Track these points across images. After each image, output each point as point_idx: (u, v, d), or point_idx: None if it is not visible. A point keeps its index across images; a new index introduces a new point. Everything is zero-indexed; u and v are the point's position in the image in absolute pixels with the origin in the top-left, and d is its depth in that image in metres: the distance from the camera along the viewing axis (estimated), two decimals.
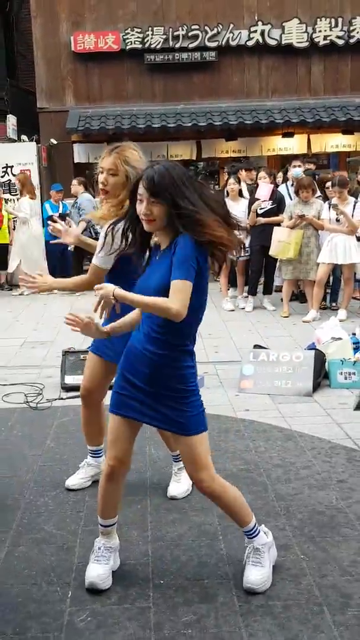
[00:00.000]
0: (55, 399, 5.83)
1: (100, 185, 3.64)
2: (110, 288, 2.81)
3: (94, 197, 11.10)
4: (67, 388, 6.02)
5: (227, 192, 9.83)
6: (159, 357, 2.86)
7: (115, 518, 3.18)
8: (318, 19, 14.19)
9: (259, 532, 3.12)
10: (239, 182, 9.89)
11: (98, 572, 3.07)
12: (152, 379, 2.91)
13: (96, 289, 2.83)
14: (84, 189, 11.12)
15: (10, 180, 13.04)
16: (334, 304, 9.47)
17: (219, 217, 2.78)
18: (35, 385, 6.20)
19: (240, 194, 9.78)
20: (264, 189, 9.38)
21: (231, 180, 9.76)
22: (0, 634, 2.81)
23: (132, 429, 3.06)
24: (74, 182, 11.35)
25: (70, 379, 6.05)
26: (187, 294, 2.69)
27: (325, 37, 14.23)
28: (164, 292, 2.72)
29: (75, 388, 5.93)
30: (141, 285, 2.88)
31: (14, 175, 13.10)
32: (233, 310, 9.54)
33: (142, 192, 2.74)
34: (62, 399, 5.86)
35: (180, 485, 4.00)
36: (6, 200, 12.24)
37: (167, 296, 2.70)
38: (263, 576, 3.02)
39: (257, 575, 3.01)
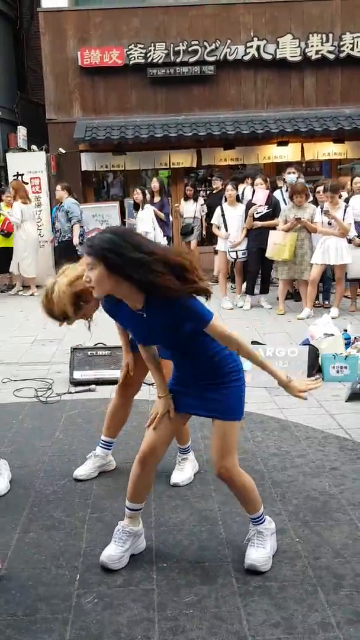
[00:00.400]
0: (64, 394, 5.82)
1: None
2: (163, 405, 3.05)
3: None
4: (76, 383, 6.01)
5: (225, 197, 9.82)
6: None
7: (141, 504, 3.18)
8: (310, 35, 14.15)
9: (264, 519, 3.15)
10: (236, 188, 9.87)
11: (110, 552, 3.09)
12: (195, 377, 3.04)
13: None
14: (68, 193, 11.12)
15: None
16: (326, 302, 9.46)
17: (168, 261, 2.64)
18: (45, 381, 6.19)
19: (238, 199, 9.77)
20: (260, 195, 9.38)
21: (229, 187, 9.74)
22: (11, 615, 2.80)
23: (174, 422, 3.11)
24: (58, 187, 11.31)
25: (78, 375, 6.04)
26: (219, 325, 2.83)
27: (317, 52, 14.20)
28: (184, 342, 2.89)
29: (83, 383, 5.94)
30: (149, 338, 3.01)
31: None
32: (232, 309, 9.52)
33: (87, 262, 2.68)
34: (70, 393, 5.85)
35: (183, 473, 3.99)
36: None
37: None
38: (265, 556, 3.04)
39: (259, 554, 3.04)
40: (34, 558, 3.23)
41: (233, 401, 3.00)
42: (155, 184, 11.67)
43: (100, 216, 12.73)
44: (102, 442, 4.12)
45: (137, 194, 10.83)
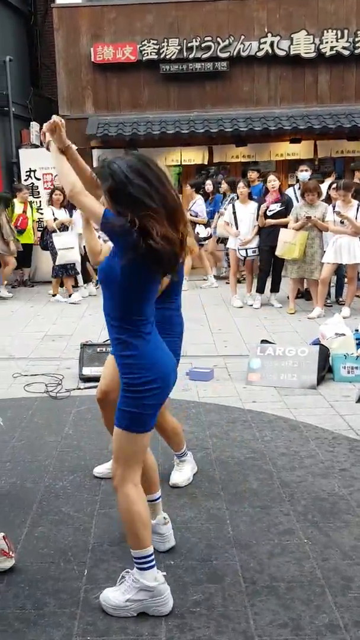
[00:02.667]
0: (74, 389, 5.84)
1: None
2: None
3: None
4: (85, 379, 6.03)
5: (237, 195, 9.81)
6: None
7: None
8: (325, 31, 14.08)
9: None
10: (248, 185, 9.85)
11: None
12: None
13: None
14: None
15: (33, 184, 13.05)
16: (340, 299, 9.44)
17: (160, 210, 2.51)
18: (55, 376, 6.22)
19: (250, 196, 9.75)
20: (272, 195, 9.34)
21: (241, 184, 9.71)
22: (20, 608, 2.82)
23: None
24: None
25: (87, 371, 6.06)
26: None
27: (331, 48, 14.12)
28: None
29: (92, 379, 5.96)
30: None
31: (37, 179, 13.12)
32: (242, 307, 9.52)
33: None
34: (79, 389, 5.88)
35: (182, 474, 3.98)
36: (30, 203, 12.23)
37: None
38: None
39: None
40: (43, 552, 3.25)
41: (119, 406, 2.73)
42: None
43: None
44: None
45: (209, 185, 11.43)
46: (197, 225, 10.93)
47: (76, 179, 2.79)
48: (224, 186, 11.53)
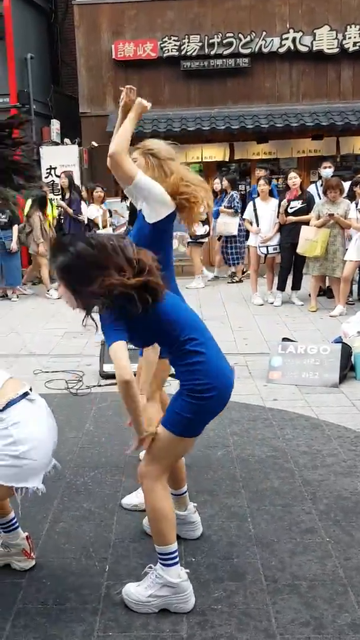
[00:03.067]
0: (94, 386, 5.87)
1: None
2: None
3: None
4: (105, 376, 6.05)
5: (258, 192, 9.79)
6: None
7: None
8: (348, 26, 13.98)
9: (170, 563, 2.78)
10: (269, 183, 9.82)
11: None
12: None
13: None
14: None
15: (54, 181, 13.11)
16: None
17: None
18: (75, 373, 6.25)
19: (271, 194, 9.73)
20: (292, 191, 9.32)
21: (261, 182, 9.71)
22: (42, 604, 2.84)
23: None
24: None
25: (108, 367, 6.07)
26: (121, 353, 2.56)
27: (354, 44, 14.02)
28: None
29: (112, 376, 5.97)
30: None
31: (57, 176, 13.17)
32: (262, 305, 9.50)
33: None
34: (100, 385, 5.90)
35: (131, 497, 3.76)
36: (50, 200, 12.29)
37: None
38: (138, 595, 2.78)
39: (133, 588, 2.81)
40: (64, 548, 3.27)
41: (171, 408, 2.74)
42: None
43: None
44: None
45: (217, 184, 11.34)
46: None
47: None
48: (225, 183, 11.44)
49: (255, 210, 9.64)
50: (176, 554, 2.77)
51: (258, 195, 9.71)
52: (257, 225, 9.57)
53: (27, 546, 3.09)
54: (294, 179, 9.38)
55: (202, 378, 2.66)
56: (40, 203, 11.04)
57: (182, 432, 2.70)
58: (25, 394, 2.81)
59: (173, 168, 3.50)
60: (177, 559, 2.78)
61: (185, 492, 3.30)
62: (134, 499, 3.67)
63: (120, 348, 2.56)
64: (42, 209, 11.08)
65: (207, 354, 2.69)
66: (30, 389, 2.85)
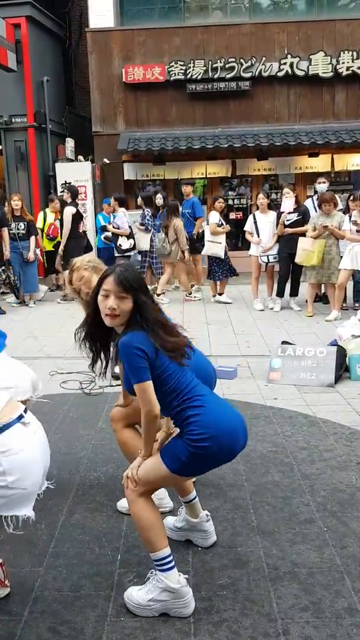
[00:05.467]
0: (106, 386, 5.84)
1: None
2: (134, 467, 2.70)
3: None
4: (117, 377, 6.01)
5: (257, 205, 9.78)
6: None
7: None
8: (341, 52, 13.99)
9: (167, 567, 2.68)
10: (267, 197, 9.83)
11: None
12: None
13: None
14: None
15: None
16: (357, 304, 9.35)
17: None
18: (88, 374, 6.23)
19: (269, 207, 9.73)
20: (288, 203, 9.34)
21: (261, 195, 9.75)
22: (58, 590, 2.83)
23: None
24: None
25: (119, 369, 6.05)
26: (150, 391, 2.55)
27: (347, 68, 14.01)
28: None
29: None
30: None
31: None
32: (263, 310, 9.48)
33: (109, 288, 2.61)
34: (112, 386, 5.87)
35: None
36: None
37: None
38: (138, 598, 2.68)
39: (134, 592, 2.71)
40: (79, 538, 3.26)
41: (172, 446, 2.64)
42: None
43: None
44: None
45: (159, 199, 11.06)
46: (120, 237, 10.69)
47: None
48: (140, 200, 11.38)
49: (255, 222, 9.65)
50: (170, 558, 2.65)
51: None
52: (258, 236, 9.57)
53: (1, 575, 2.80)
54: (287, 194, 9.42)
55: (200, 429, 2.54)
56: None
57: (176, 470, 2.60)
58: (20, 417, 2.57)
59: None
60: (173, 564, 2.65)
61: (194, 498, 3.12)
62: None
63: (150, 386, 2.55)
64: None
65: (205, 407, 2.60)
66: (25, 411, 2.62)
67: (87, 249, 10.84)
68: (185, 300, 10.56)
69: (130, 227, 10.75)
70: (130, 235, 10.73)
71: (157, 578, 2.66)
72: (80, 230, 10.94)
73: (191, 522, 3.13)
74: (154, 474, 2.65)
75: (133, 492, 2.67)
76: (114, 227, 10.80)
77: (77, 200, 11.05)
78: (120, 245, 10.70)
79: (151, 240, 10.87)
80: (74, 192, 11.05)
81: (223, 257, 10.10)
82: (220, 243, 10.01)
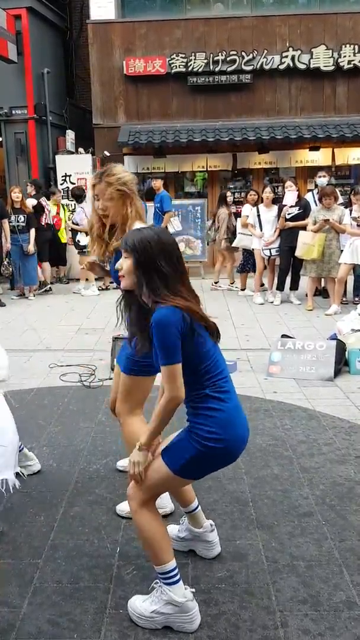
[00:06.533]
0: (106, 379, 5.85)
1: (100, 212, 3.26)
2: (137, 463, 2.50)
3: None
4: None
5: (262, 199, 9.76)
6: None
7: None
8: (343, 46, 13.94)
9: (173, 580, 2.54)
10: (273, 191, 9.88)
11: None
12: None
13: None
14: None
15: (69, 187, 13.10)
16: (356, 299, 9.35)
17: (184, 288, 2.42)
18: (88, 367, 6.24)
19: (274, 201, 9.73)
20: (290, 197, 9.33)
21: (267, 190, 9.81)
22: (57, 582, 2.83)
23: None
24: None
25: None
26: (180, 374, 2.36)
27: (349, 62, 13.97)
28: None
29: None
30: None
31: (72, 183, 13.16)
32: (263, 304, 9.47)
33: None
34: (111, 379, 5.82)
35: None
36: (64, 206, 12.30)
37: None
38: (142, 608, 2.56)
39: (139, 602, 2.60)
40: (78, 530, 3.26)
41: (175, 443, 2.51)
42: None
43: None
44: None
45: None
46: (79, 233, 10.82)
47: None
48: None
49: (258, 216, 9.64)
50: (176, 572, 2.52)
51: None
52: (261, 230, 9.57)
53: None
54: (289, 187, 9.42)
55: (214, 427, 2.41)
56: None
57: (179, 471, 2.46)
58: None
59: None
60: (178, 577, 2.53)
61: (197, 508, 2.97)
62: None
63: (180, 370, 2.34)
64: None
65: (228, 404, 2.46)
66: None
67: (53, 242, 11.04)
68: (211, 288, 10.92)
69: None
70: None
71: (161, 590, 2.53)
72: (43, 223, 11.11)
73: (194, 532, 2.98)
74: (155, 475, 2.49)
75: (136, 501, 2.52)
76: (73, 223, 10.92)
77: (41, 193, 11.24)
78: (78, 241, 10.78)
79: None
80: (37, 185, 11.29)
81: (252, 249, 10.11)
82: (251, 235, 10.01)
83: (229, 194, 11.15)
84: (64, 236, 11.91)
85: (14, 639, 2.48)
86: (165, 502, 3.40)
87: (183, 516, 3.07)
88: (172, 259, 2.43)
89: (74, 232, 11.00)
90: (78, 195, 11.28)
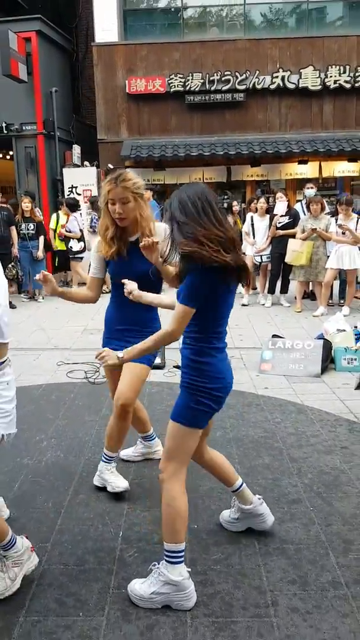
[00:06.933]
0: None
1: (117, 215, 3.15)
2: (113, 356, 2.56)
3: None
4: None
5: (256, 208, 9.77)
6: None
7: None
8: (329, 67, 13.98)
9: (176, 561, 2.53)
10: (267, 201, 9.90)
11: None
12: None
13: (98, 357, 2.59)
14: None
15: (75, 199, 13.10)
16: (342, 301, 9.35)
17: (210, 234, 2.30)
18: (93, 365, 6.24)
19: (267, 211, 9.73)
20: (281, 207, 9.35)
21: (262, 200, 9.83)
22: (64, 565, 2.83)
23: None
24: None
25: None
26: (186, 319, 2.38)
27: (335, 82, 14.00)
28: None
29: None
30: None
31: (78, 194, 13.17)
32: (246, 305, 9.44)
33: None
34: None
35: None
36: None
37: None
38: (141, 590, 2.55)
39: (138, 585, 2.58)
40: (84, 516, 3.26)
41: (176, 403, 2.57)
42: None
43: None
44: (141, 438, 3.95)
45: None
46: (71, 240, 10.81)
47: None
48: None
49: (252, 224, 9.66)
50: (183, 553, 2.53)
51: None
52: (254, 238, 9.58)
53: (28, 543, 2.76)
54: (279, 198, 9.45)
55: (202, 377, 2.48)
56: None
57: (189, 422, 2.51)
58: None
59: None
60: (183, 559, 2.54)
61: (241, 485, 2.96)
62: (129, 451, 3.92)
63: (190, 314, 2.35)
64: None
65: (217, 357, 2.51)
66: None
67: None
68: None
69: (81, 230, 10.79)
70: (81, 238, 10.76)
71: (159, 572, 2.54)
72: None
73: (245, 510, 2.98)
74: (171, 440, 2.54)
75: (167, 472, 2.52)
76: (66, 231, 10.95)
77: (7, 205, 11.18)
78: (71, 247, 10.79)
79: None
80: (31, 195, 11.16)
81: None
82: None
83: (235, 203, 11.16)
84: (61, 243, 11.83)
85: (24, 617, 2.48)
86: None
87: (233, 499, 3.06)
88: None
89: (67, 239, 10.98)
90: (72, 204, 11.26)
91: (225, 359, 2.59)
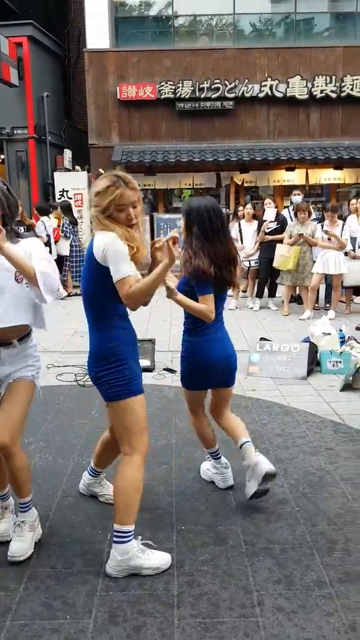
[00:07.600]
0: None
1: (132, 221, 2.75)
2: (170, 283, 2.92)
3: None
4: None
5: (243, 214, 9.79)
6: None
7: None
8: (316, 76, 14.05)
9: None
10: (254, 207, 9.91)
11: None
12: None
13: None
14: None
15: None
16: (327, 305, 9.37)
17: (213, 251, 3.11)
18: (83, 367, 6.19)
19: (254, 217, 9.74)
20: (270, 213, 9.36)
21: (248, 206, 9.83)
22: (52, 567, 2.80)
23: None
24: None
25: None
26: (212, 304, 3.17)
27: (321, 91, 14.07)
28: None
29: None
30: None
31: (69, 198, 13.13)
32: (234, 309, 9.44)
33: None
34: None
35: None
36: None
37: None
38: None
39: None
40: (72, 519, 3.22)
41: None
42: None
43: None
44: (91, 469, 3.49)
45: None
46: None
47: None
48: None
49: (240, 230, 9.66)
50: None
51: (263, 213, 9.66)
52: (242, 243, 9.58)
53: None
54: (268, 204, 9.48)
55: (188, 352, 3.30)
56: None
57: (186, 385, 3.37)
58: None
59: None
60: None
61: (246, 442, 3.38)
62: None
63: (213, 299, 3.14)
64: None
65: (200, 338, 3.27)
66: None
67: None
68: None
69: (48, 235, 10.70)
70: (47, 243, 10.59)
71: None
72: None
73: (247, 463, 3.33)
74: (186, 398, 3.48)
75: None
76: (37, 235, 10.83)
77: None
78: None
79: (71, 246, 11.01)
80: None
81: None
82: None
83: (240, 208, 11.12)
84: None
85: (10, 621, 2.45)
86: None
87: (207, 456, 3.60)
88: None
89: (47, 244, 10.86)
90: (43, 209, 11.10)
91: (208, 340, 3.35)
